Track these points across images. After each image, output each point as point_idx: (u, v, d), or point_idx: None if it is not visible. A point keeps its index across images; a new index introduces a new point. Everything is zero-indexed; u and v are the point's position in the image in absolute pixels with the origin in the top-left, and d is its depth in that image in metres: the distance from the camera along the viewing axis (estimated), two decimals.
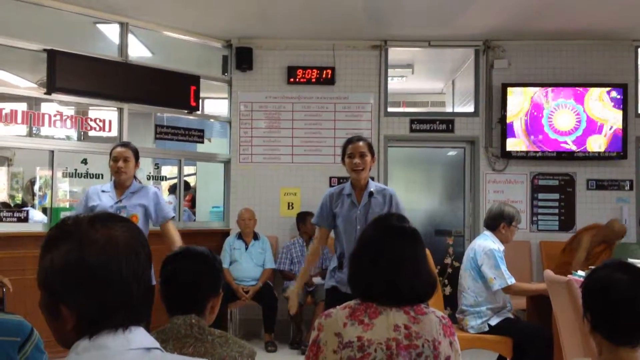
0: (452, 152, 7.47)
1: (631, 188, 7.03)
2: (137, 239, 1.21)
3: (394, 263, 2.08)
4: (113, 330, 1.13)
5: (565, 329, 3.68)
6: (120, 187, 4.23)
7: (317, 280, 6.39)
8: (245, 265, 6.39)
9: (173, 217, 4.42)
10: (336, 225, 3.90)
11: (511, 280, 4.42)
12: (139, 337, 1.15)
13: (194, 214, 7.92)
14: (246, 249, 6.45)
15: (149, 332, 1.20)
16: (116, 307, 1.14)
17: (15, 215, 5.63)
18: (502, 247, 4.58)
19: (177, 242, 4.20)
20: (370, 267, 2.10)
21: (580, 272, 4.19)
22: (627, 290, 1.76)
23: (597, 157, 6.96)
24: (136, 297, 1.17)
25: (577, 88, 6.92)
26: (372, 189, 3.82)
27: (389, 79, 7.36)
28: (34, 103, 6.57)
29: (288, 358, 5.78)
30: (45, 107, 6.36)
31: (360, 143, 3.83)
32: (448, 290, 5.83)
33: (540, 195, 7.11)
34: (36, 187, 8.66)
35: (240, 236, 6.54)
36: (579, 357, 3.15)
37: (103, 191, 4.23)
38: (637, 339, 1.78)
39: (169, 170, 7.97)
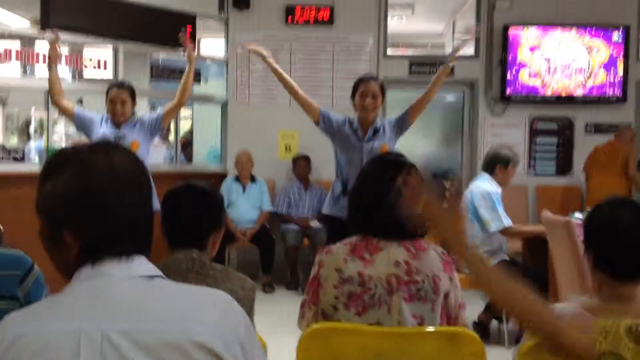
0: (450, 98, 7.41)
1: None
2: (138, 167, 1.20)
3: (393, 195, 2.08)
4: (116, 258, 1.12)
5: (562, 269, 3.72)
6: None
7: (314, 223, 6.42)
8: (243, 207, 6.39)
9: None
10: (338, 154, 3.98)
11: (508, 222, 4.44)
12: (142, 265, 1.15)
13: (190, 156, 7.87)
14: (243, 191, 6.45)
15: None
16: (120, 234, 1.13)
17: (11, 155, 5.60)
18: (499, 190, 4.58)
19: (182, 83, 4.43)
20: (370, 201, 2.10)
21: (578, 215, 4.21)
22: (632, 226, 1.76)
23: (596, 101, 6.91)
24: (139, 225, 1.17)
25: (579, 29, 6.82)
26: (377, 126, 3.90)
27: (389, 18, 7.22)
28: (27, 42, 6.45)
29: (285, 299, 5.85)
30: (39, 47, 6.24)
31: (373, 83, 3.85)
32: None
33: (539, 140, 7.09)
34: (31, 129, 8.61)
35: (237, 179, 6.53)
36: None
37: (105, 118, 4.33)
38: (639, 275, 1.79)
39: None
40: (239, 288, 1.91)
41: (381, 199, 2.08)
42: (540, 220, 4.34)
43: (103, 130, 4.22)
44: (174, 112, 4.58)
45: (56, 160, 1.17)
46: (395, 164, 2.16)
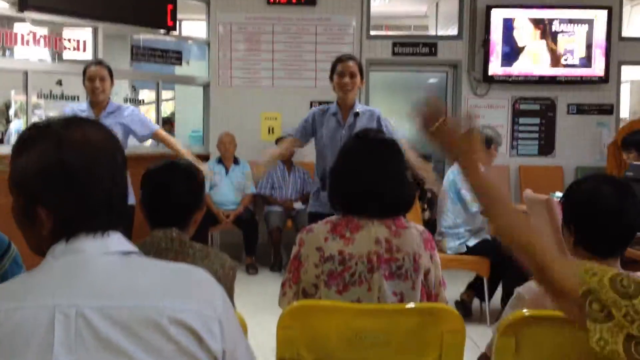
0: (433, 79, 7.40)
1: (611, 112, 7.04)
2: (112, 141, 1.18)
3: (374, 172, 2.08)
4: (91, 233, 1.11)
5: None
6: (97, 106, 4.15)
7: (297, 205, 6.41)
8: (226, 189, 6.37)
9: (159, 128, 4.55)
10: (319, 145, 3.87)
11: None
12: (117, 241, 1.13)
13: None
14: (226, 173, 6.43)
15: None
16: (95, 209, 1.11)
17: None
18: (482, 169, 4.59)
19: (177, 144, 4.45)
20: (351, 178, 2.09)
21: (558, 194, 4.23)
22: (614, 203, 1.74)
23: (578, 81, 6.94)
24: (114, 200, 1.15)
25: (561, 9, 6.83)
26: (358, 109, 3.79)
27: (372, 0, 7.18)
28: (6, 23, 6.33)
29: (269, 280, 5.85)
30: (18, 28, 6.14)
31: (351, 63, 3.76)
32: (427, 215, 5.88)
33: (521, 120, 7.12)
34: (11, 112, 8.49)
35: (220, 160, 6.49)
36: None
37: (81, 110, 4.15)
38: (620, 251, 1.80)
39: (146, 95, 7.81)
40: (218, 267, 1.89)
41: (361, 177, 2.07)
42: (522, 200, 4.36)
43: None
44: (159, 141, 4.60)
45: (30, 134, 1.14)
46: (373, 140, 2.16)
